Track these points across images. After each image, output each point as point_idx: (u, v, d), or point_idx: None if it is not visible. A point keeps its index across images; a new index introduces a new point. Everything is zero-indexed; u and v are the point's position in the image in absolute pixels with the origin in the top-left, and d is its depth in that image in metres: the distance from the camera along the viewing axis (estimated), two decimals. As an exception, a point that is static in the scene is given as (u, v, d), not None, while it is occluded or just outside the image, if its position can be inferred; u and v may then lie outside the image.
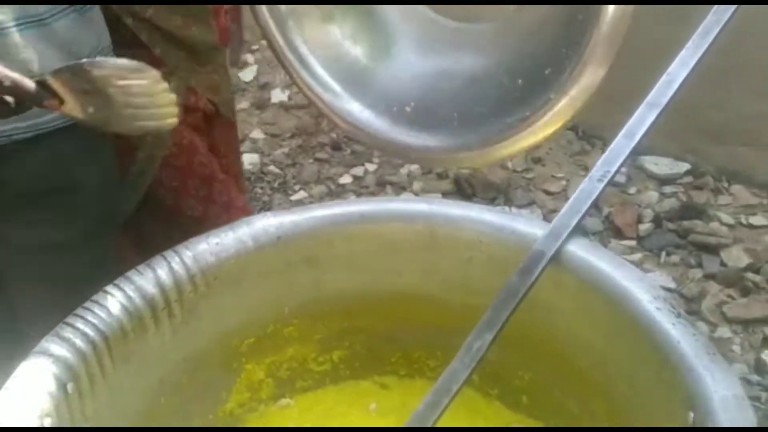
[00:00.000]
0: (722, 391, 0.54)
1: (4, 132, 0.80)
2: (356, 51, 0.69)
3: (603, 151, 0.72)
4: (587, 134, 1.91)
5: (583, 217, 0.68)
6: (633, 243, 1.57)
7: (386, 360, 0.86)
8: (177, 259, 0.71)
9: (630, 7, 0.52)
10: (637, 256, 1.53)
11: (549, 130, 0.56)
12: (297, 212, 0.77)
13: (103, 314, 0.65)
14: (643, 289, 0.63)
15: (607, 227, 1.62)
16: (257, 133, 2.15)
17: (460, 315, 0.81)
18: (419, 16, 0.69)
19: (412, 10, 0.69)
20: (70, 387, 0.60)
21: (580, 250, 0.69)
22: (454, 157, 0.65)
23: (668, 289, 1.43)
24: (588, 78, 0.53)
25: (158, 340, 0.70)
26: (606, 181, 0.69)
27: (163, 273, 0.70)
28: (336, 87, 0.67)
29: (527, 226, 0.72)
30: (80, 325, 0.63)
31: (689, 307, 1.40)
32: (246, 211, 1.11)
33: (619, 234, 1.60)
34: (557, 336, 0.74)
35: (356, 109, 0.66)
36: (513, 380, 0.82)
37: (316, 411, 0.82)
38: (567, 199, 0.72)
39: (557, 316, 0.73)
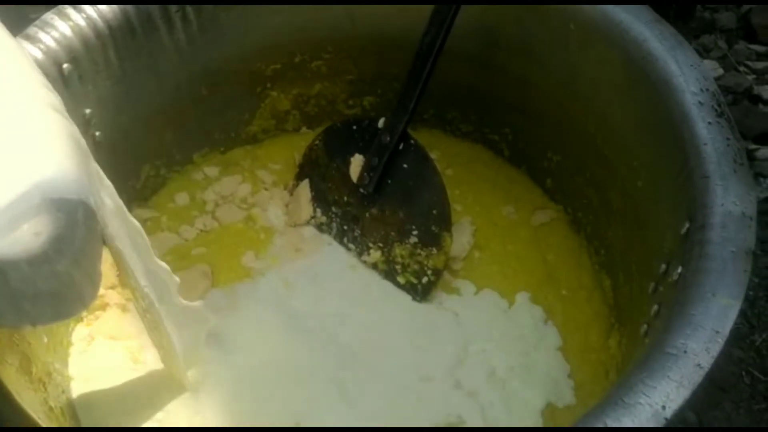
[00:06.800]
0: (730, 206, 0.46)
1: None
2: None
3: None
4: None
5: None
6: (764, 49, 1.35)
7: (418, 116, 0.81)
8: (196, -41, 0.66)
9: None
10: (763, 64, 1.32)
11: None
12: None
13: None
14: (693, 78, 0.53)
15: (740, 26, 1.38)
16: None
17: (495, 77, 0.74)
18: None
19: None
20: (66, 68, 0.60)
21: (639, 23, 0.58)
22: None
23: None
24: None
25: (172, 44, 0.68)
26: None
27: (179, -29, 0.66)
28: None
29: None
30: (86, 6, 0.62)
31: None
32: None
33: (751, 36, 1.37)
34: (593, 120, 0.66)
35: None
36: (542, 160, 0.76)
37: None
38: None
39: (597, 97, 0.65)
